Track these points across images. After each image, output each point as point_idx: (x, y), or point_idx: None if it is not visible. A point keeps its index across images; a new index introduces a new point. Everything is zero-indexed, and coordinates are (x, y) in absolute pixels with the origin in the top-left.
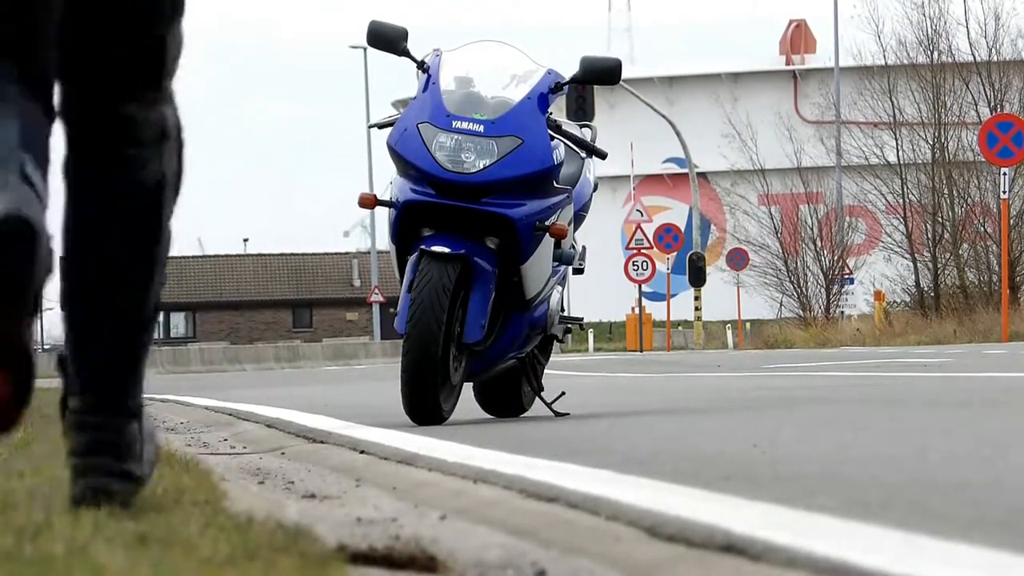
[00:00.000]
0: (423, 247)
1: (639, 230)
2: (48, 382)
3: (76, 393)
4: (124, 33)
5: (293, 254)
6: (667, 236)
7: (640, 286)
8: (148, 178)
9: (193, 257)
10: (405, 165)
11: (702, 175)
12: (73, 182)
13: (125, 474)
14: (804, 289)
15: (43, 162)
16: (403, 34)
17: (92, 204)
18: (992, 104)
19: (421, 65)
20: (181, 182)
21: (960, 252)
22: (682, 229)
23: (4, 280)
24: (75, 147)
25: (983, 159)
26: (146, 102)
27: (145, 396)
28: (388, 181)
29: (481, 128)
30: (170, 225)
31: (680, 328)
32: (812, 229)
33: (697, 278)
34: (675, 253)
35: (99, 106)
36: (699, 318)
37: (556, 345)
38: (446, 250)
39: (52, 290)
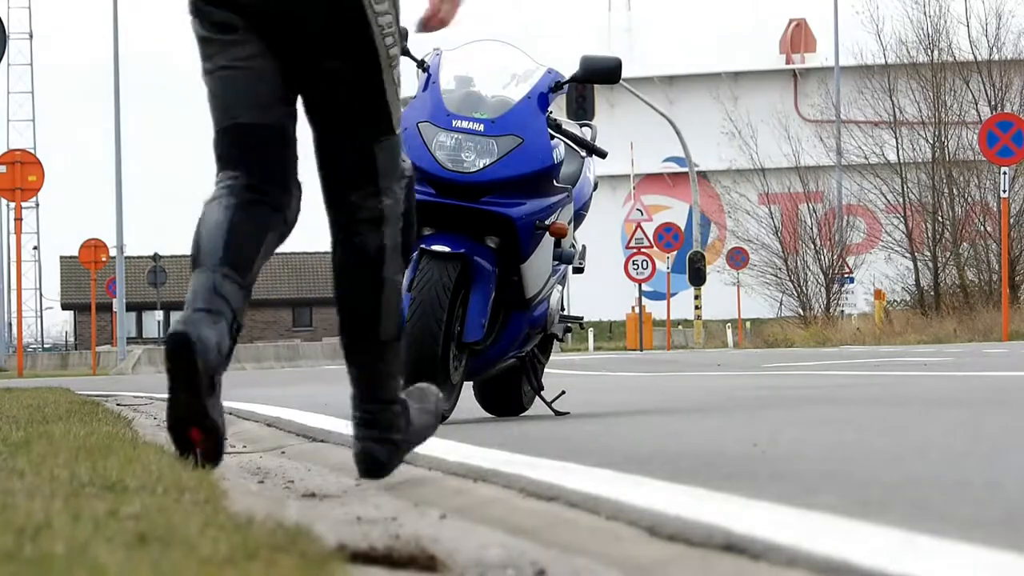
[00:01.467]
0: (423, 246)
1: (639, 229)
2: (48, 382)
3: (352, 385)
4: (343, 148)
5: (293, 253)
6: (667, 235)
7: (640, 285)
8: (367, 248)
9: None
10: None
11: (702, 174)
12: (333, 244)
13: (385, 440)
14: (804, 288)
15: (245, 263)
16: (403, 34)
17: (339, 261)
18: (992, 103)
19: (421, 64)
20: (407, 251)
21: (960, 251)
22: (682, 228)
23: (181, 375)
24: (330, 228)
25: (983, 158)
26: (364, 193)
27: (145, 395)
28: None
29: (481, 127)
30: (397, 279)
31: (680, 327)
32: (812, 228)
33: (697, 277)
34: (675, 252)
35: (336, 195)
36: (699, 317)
37: (556, 344)
38: (446, 249)
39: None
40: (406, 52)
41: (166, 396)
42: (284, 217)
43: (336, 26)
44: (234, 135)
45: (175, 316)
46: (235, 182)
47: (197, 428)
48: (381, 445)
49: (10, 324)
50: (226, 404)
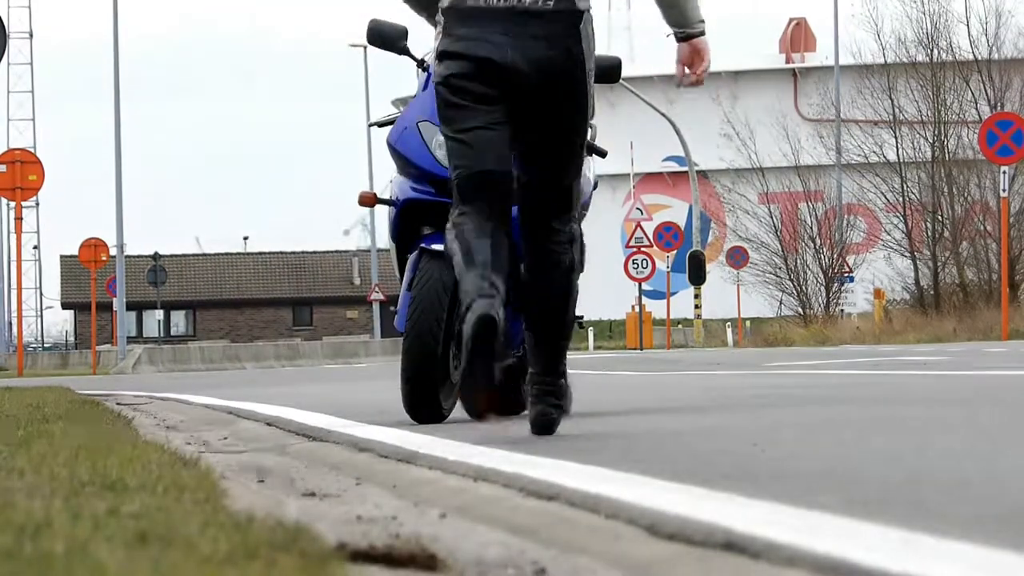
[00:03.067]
0: (423, 245)
1: (639, 228)
2: (48, 381)
3: (533, 364)
4: (551, 186)
5: (293, 252)
6: (667, 234)
7: (640, 284)
8: (563, 262)
9: (193, 255)
10: (405, 163)
11: (702, 173)
12: (532, 257)
13: (558, 407)
14: (804, 287)
15: (502, 268)
16: (403, 32)
17: (538, 270)
18: (992, 102)
19: (421, 63)
20: (582, 266)
21: (960, 250)
22: (682, 227)
23: (481, 355)
24: (528, 244)
25: (983, 157)
26: (563, 220)
27: (145, 394)
28: (388, 179)
29: None
30: (576, 286)
31: (680, 326)
32: (812, 227)
33: (697, 276)
34: (675, 251)
35: (540, 221)
36: (699, 316)
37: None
38: None
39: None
40: (406, 52)
41: (166, 394)
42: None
43: (570, 96)
44: (481, 179)
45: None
46: (478, 215)
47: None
48: (555, 410)
49: (10, 323)
50: (226, 404)
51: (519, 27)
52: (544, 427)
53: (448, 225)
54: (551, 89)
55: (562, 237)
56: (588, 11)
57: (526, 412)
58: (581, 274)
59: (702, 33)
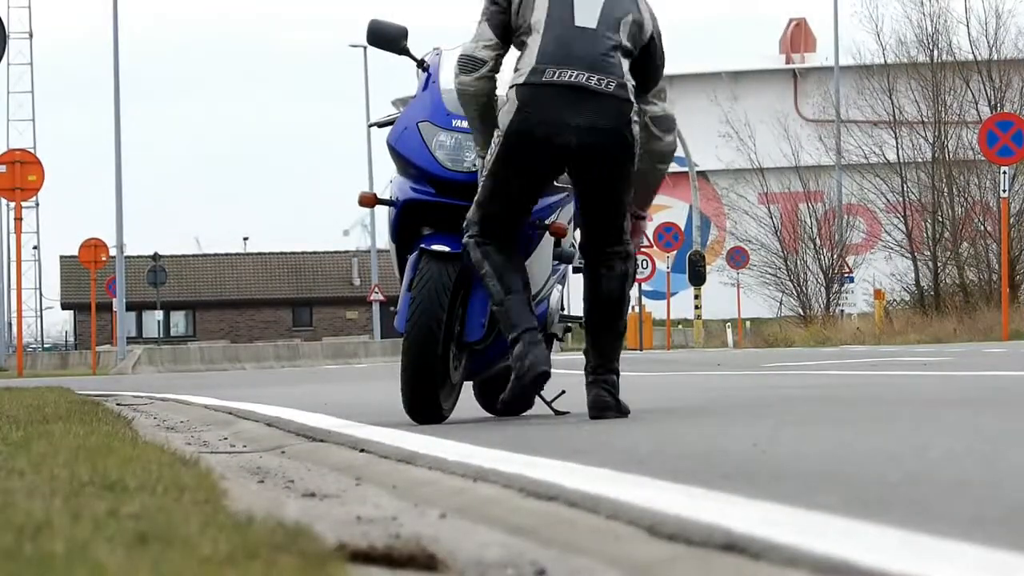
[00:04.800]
0: (423, 246)
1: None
2: (48, 381)
3: (591, 358)
4: (606, 226)
5: (293, 253)
6: (667, 235)
7: (640, 285)
8: (617, 270)
9: (193, 256)
10: (405, 164)
11: (702, 174)
12: (589, 277)
13: (614, 395)
14: (804, 288)
15: (528, 286)
16: (403, 33)
17: (598, 282)
18: (992, 103)
19: (421, 64)
20: (633, 278)
21: (960, 251)
22: (682, 228)
23: (532, 395)
24: (588, 266)
25: (983, 158)
26: (618, 243)
27: (145, 395)
28: (388, 180)
29: None
30: (629, 295)
31: (680, 327)
32: (812, 228)
33: (697, 277)
34: (675, 252)
35: (597, 250)
36: (699, 317)
37: (556, 344)
38: (446, 249)
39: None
40: (406, 52)
41: (166, 395)
42: None
43: (619, 172)
44: (502, 223)
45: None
46: (495, 241)
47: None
48: (612, 397)
49: (10, 324)
50: (226, 404)
51: (581, 108)
52: (600, 409)
53: (471, 241)
54: (603, 166)
55: (619, 255)
56: (635, 103)
57: (526, 412)
58: (632, 285)
59: (645, 219)
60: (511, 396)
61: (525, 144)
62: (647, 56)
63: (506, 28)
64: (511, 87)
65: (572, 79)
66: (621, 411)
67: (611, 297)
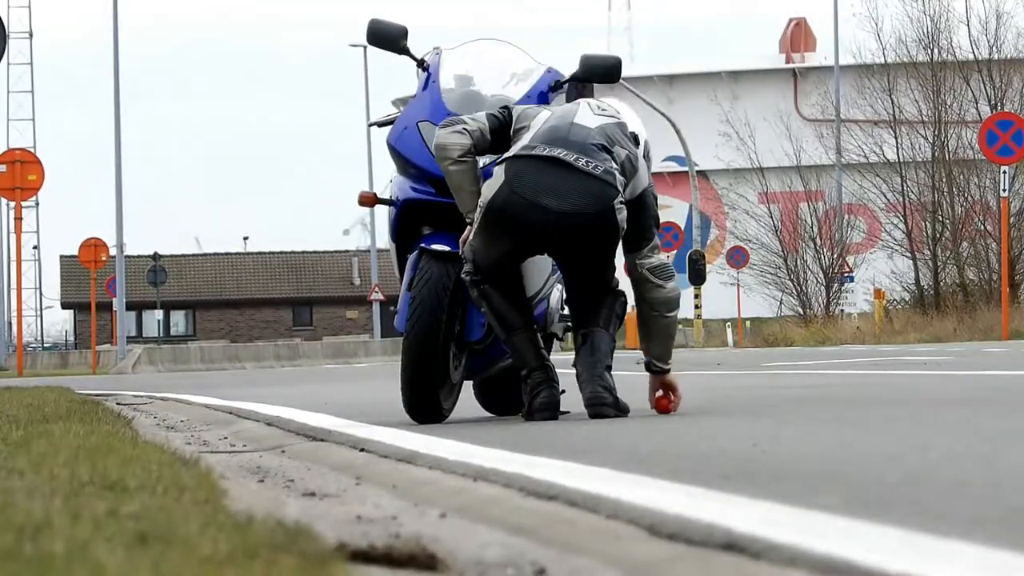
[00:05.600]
0: (423, 245)
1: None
2: (48, 381)
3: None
4: (589, 288)
5: (293, 252)
6: (667, 234)
7: None
8: (609, 303)
9: (193, 255)
10: (405, 163)
11: (702, 173)
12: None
13: (613, 395)
14: (804, 287)
15: (530, 314)
16: (403, 32)
17: (599, 312)
18: (992, 102)
19: (421, 63)
20: (621, 321)
21: (960, 250)
22: (682, 227)
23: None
24: (576, 318)
25: (983, 157)
26: (608, 298)
27: (145, 394)
28: (388, 179)
29: None
30: (615, 324)
31: (680, 326)
32: (812, 227)
33: (697, 276)
34: (675, 251)
35: (586, 304)
36: (699, 316)
37: (556, 343)
38: (446, 248)
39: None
40: (406, 52)
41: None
42: None
43: (603, 248)
44: (498, 270)
45: (174, 314)
46: (493, 282)
47: None
48: (609, 393)
49: (10, 323)
50: (226, 404)
51: (565, 186)
52: (596, 404)
53: (468, 279)
54: (583, 250)
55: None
56: (622, 198)
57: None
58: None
59: (670, 370)
60: (525, 415)
61: (505, 220)
62: (640, 208)
63: (502, 134)
64: (500, 163)
65: (561, 155)
66: (620, 411)
67: (597, 316)
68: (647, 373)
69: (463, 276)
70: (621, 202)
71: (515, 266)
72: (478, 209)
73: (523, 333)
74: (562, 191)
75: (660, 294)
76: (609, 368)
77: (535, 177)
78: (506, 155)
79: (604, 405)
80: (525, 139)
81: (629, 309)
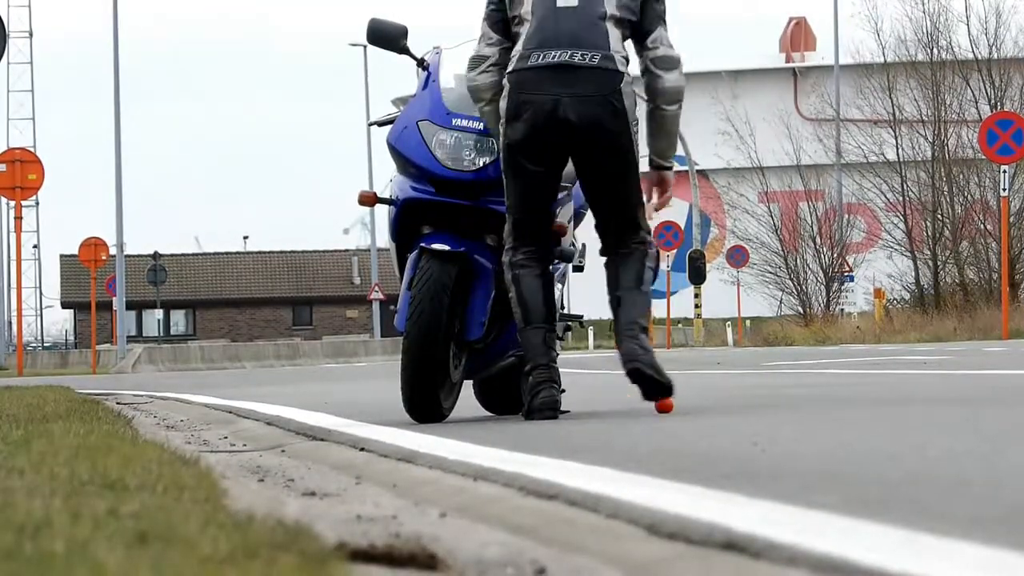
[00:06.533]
0: (423, 245)
1: None
2: (48, 380)
3: (619, 321)
4: (616, 215)
5: (293, 252)
6: (667, 234)
7: None
8: (638, 254)
9: (193, 255)
10: (405, 163)
11: (702, 173)
12: (609, 268)
13: (645, 350)
14: (804, 287)
15: (552, 311)
16: (403, 32)
17: (619, 270)
18: (992, 101)
19: (421, 63)
20: (657, 265)
21: (960, 249)
22: (682, 227)
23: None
24: (609, 260)
25: (983, 156)
26: (635, 237)
27: (145, 394)
28: (388, 179)
29: (481, 125)
30: (648, 276)
31: (680, 325)
32: (812, 227)
33: (697, 276)
34: (675, 251)
35: (614, 242)
36: (699, 315)
37: (556, 343)
38: (446, 248)
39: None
40: (406, 51)
41: (166, 394)
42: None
43: (615, 144)
44: (530, 220)
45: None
46: (534, 254)
47: None
48: (643, 349)
49: (10, 322)
50: (226, 403)
51: (567, 82)
52: (632, 359)
53: (506, 262)
54: (597, 139)
55: (636, 246)
56: (628, 74)
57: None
58: (653, 276)
59: (670, 168)
60: (524, 413)
61: (522, 123)
62: (646, 6)
63: (505, 24)
64: (506, 75)
65: (555, 59)
66: (658, 372)
67: (629, 274)
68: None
69: (503, 259)
70: (628, 83)
71: (547, 200)
72: (500, 132)
73: (541, 329)
74: (563, 85)
75: (658, 84)
76: (645, 329)
77: (536, 83)
78: (507, 70)
79: (639, 362)
80: (519, 45)
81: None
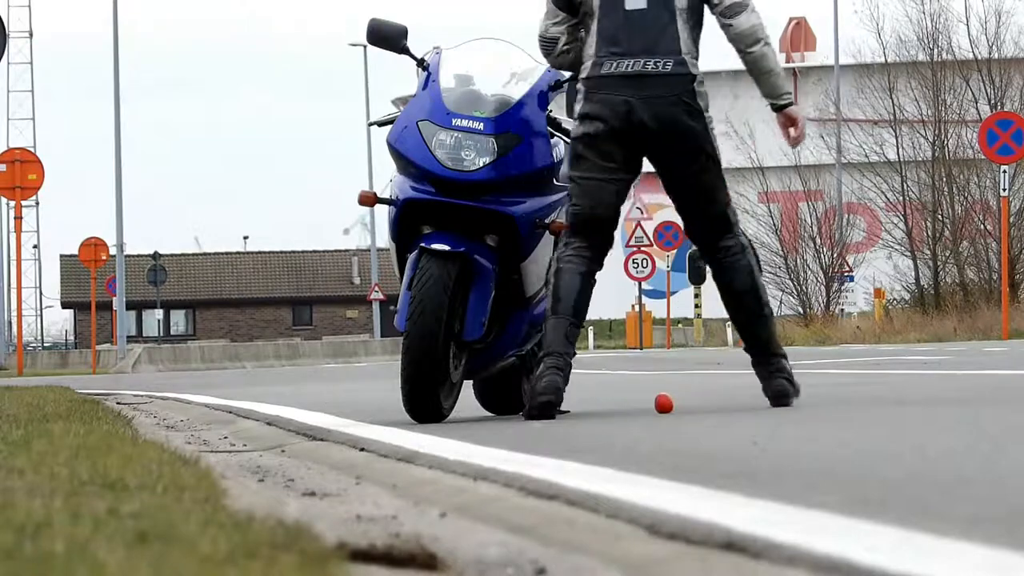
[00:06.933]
0: (423, 245)
1: (639, 228)
2: (48, 380)
3: (752, 353)
4: (705, 215)
5: (293, 252)
6: (667, 234)
7: (640, 284)
8: (741, 266)
9: (193, 255)
10: (405, 163)
11: None
12: (716, 275)
13: (788, 380)
14: (804, 287)
15: (583, 307)
16: (403, 32)
17: (725, 281)
18: (992, 101)
19: (421, 63)
20: (760, 267)
21: (960, 249)
22: (682, 227)
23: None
24: (709, 264)
25: (983, 156)
26: (727, 238)
27: (145, 394)
28: (388, 179)
29: (481, 126)
30: (761, 282)
31: (680, 325)
32: (812, 227)
33: (697, 276)
34: (675, 251)
35: (708, 245)
36: (699, 315)
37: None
38: (446, 248)
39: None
40: (406, 51)
41: (166, 394)
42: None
43: (692, 142)
44: (590, 219)
45: (174, 314)
46: (585, 252)
47: None
48: (789, 383)
49: (10, 322)
50: (226, 403)
51: (644, 88)
52: (780, 397)
53: (556, 256)
54: (674, 138)
55: (733, 249)
56: (700, 74)
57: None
58: (761, 274)
59: (789, 104)
60: (528, 415)
61: (596, 123)
62: None
63: (569, 0)
64: (579, 80)
65: (629, 69)
66: (796, 393)
67: (744, 290)
68: (646, 378)
69: (556, 253)
70: (701, 82)
71: (615, 204)
72: (571, 137)
73: (565, 321)
74: (640, 87)
75: (732, 32)
76: (782, 354)
77: (612, 89)
78: (581, 74)
79: (786, 396)
80: (590, 46)
81: None
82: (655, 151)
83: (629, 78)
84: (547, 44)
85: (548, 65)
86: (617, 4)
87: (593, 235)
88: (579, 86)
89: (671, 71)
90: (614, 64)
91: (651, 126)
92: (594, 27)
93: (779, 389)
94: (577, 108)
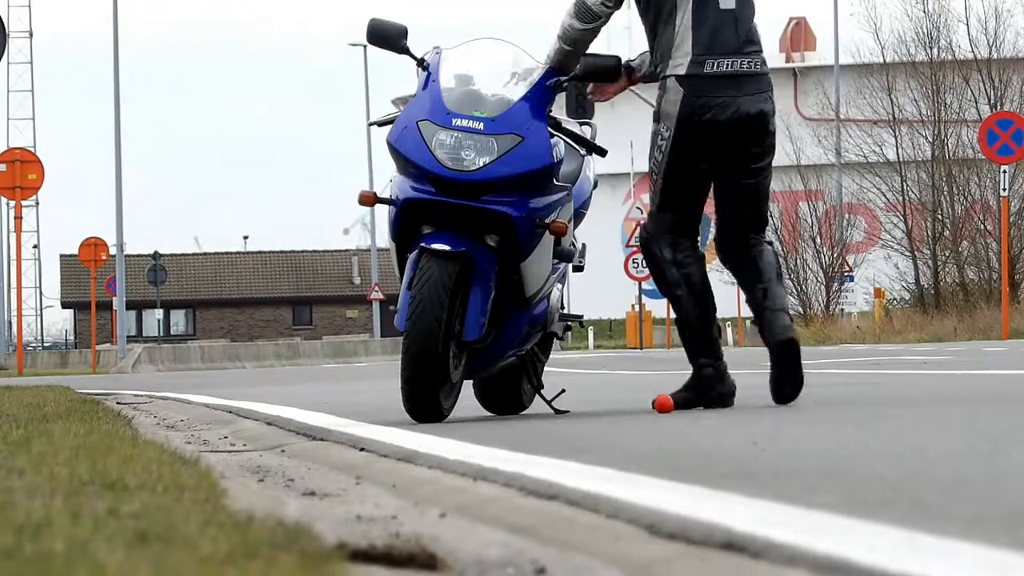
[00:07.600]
0: (423, 245)
1: (639, 227)
2: (48, 380)
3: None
4: (752, 213)
5: (293, 251)
6: None
7: (640, 283)
8: (765, 249)
9: (193, 255)
10: (405, 163)
11: None
12: (742, 264)
13: (791, 317)
14: (804, 287)
15: (713, 315)
16: (403, 32)
17: (748, 267)
18: (992, 101)
19: (421, 63)
20: (780, 262)
21: (960, 249)
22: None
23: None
24: (733, 258)
25: (983, 156)
26: (762, 228)
27: (145, 394)
28: (388, 179)
29: (481, 126)
30: (782, 270)
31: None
32: (812, 227)
33: None
34: None
35: (740, 240)
36: None
37: (556, 342)
38: (446, 248)
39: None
40: (406, 51)
41: (165, 394)
42: None
43: (766, 138)
44: (693, 217)
45: (174, 314)
46: (695, 251)
47: None
48: (790, 319)
49: (10, 322)
50: (226, 403)
51: (742, 87)
52: (786, 331)
53: (671, 258)
54: (764, 134)
55: (764, 239)
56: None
57: (526, 411)
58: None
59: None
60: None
61: (701, 124)
62: None
63: None
64: (672, 76)
65: (729, 68)
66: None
67: (771, 264)
68: (646, 378)
69: (659, 255)
70: (770, 83)
71: (702, 200)
72: (662, 136)
73: (711, 327)
74: (739, 87)
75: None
76: (792, 318)
77: (711, 89)
78: (675, 71)
79: (793, 333)
80: (685, 44)
81: None
82: (741, 147)
83: (730, 78)
84: (588, 15)
85: (548, 65)
86: (712, 3)
87: (695, 233)
88: (671, 82)
89: (760, 70)
90: (714, 64)
91: (748, 122)
92: (685, 23)
93: (786, 331)
94: (672, 107)
